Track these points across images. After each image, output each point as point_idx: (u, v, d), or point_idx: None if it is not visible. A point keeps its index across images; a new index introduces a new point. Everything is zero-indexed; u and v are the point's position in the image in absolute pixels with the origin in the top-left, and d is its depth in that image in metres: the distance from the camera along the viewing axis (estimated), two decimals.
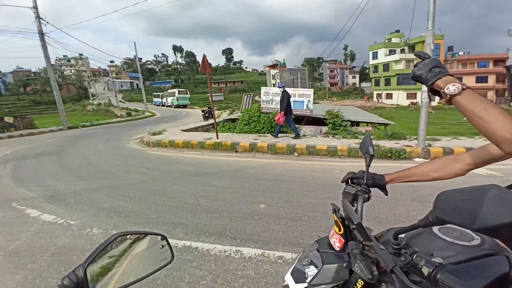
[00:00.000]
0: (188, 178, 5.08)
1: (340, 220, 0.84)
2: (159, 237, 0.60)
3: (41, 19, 16.59)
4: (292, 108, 8.59)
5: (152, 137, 9.55)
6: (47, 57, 17.34)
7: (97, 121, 20.87)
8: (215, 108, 21.04)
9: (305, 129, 10.48)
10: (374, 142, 6.24)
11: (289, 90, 9.17)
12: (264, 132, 9.65)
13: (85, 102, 43.11)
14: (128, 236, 0.55)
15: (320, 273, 0.81)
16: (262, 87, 10.88)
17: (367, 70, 76.85)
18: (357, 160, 6.19)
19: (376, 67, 51.02)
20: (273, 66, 68.71)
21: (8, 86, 65.73)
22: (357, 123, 11.74)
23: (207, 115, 18.18)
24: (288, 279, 0.89)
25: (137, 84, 64.88)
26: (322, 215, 3.38)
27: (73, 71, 78.95)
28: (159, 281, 2.22)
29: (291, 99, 8.39)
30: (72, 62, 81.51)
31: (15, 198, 4.33)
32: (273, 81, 54.22)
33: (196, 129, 12.45)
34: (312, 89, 10.87)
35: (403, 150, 6.18)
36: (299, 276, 0.85)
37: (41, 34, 16.75)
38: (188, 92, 41.70)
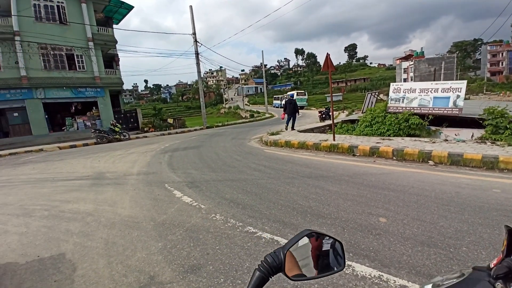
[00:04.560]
0: (301, 179, 5.04)
1: None
2: (338, 243, 0.64)
3: (197, 43, 20.99)
4: (432, 106, 8.55)
5: (270, 137, 10.17)
6: (199, 71, 21.79)
7: (227, 122, 24.40)
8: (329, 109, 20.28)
9: (447, 132, 8.41)
10: None
11: (427, 84, 8.26)
12: (389, 135, 8.41)
13: (219, 106, 51.28)
14: (315, 234, 0.62)
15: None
16: (391, 83, 9.51)
17: None
18: None
19: None
20: (406, 58, 59.06)
21: (172, 96, 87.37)
22: None
23: (324, 116, 17.77)
24: None
25: (260, 88, 71.49)
26: (470, 247, 2.53)
27: (214, 81, 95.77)
28: None
29: (431, 95, 8.41)
30: (214, 74, 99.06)
31: (167, 180, 5.60)
32: (404, 76, 47.00)
33: (311, 130, 12.35)
34: (465, 81, 8.45)
35: None
36: None
37: (197, 54, 21.16)
38: (306, 93, 42.23)
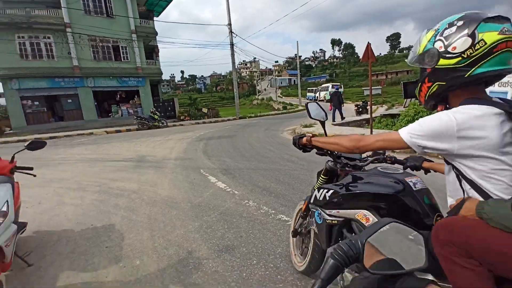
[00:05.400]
0: None
1: None
2: (420, 236, 0.56)
3: (232, 33, 21.18)
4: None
5: (304, 129, 10.05)
6: (233, 62, 22.02)
7: (260, 113, 24.50)
8: (367, 102, 19.27)
9: None
10: None
11: None
12: None
13: (252, 97, 51.49)
14: (396, 224, 0.55)
15: None
16: None
17: None
18: None
19: None
20: None
21: (206, 87, 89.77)
22: None
23: (360, 109, 17.01)
24: None
25: (294, 80, 70.30)
26: None
27: (247, 72, 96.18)
28: None
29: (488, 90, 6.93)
30: (248, 65, 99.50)
31: (203, 166, 5.85)
32: None
33: (347, 124, 11.97)
34: None
35: None
36: None
37: (231, 45, 21.37)
38: (342, 86, 40.61)
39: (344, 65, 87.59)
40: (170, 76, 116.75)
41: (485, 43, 0.86)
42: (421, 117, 5.48)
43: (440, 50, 0.95)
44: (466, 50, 0.89)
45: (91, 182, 5.04)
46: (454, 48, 0.91)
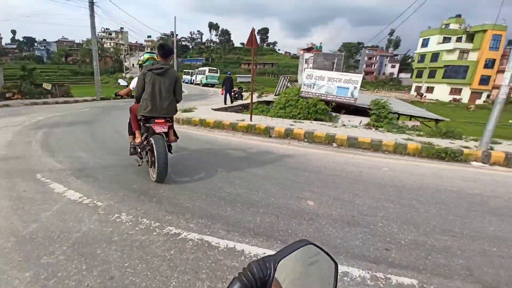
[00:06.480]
0: (223, 161, 4.61)
1: None
2: (333, 264, 0.52)
3: None
4: (336, 94, 9.53)
5: (183, 114, 9.18)
6: (93, 26, 17.08)
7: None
8: (243, 89, 20.32)
9: (343, 118, 9.63)
10: (425, 139, 5.71)
11: (334, 73, 9.34)
12: (299, 118, 8.93)
13: (118, 75, 44.22)
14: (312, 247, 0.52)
15: None
16: (306, 69, 10.19)
17: (410, 60, 71.35)
18: (405, 158, 5.43)
19: (423, 56, 46.18)
20: (308, 49, 65.34)
21: (51, 55, 69.22)
22: (399, 116, 10.65)
23: (236, 95, 17.59)
24: None
25: None
26: (384, 222, 2.85)
27: (112, 44, 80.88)
28: None
29: (336, 85, 9.48)
30: (113, 35, 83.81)
31: (40, 168, 4.00)
32: (305, 65, 52.05)
33: (225, 110, 12.00)
34: (361, 75, 9.90)
35: (459, 151, 5.40)
36: None
37: (91, 3, 16.55)
38: (218, 71, 41.23)
39: (220, 51, 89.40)
40: None
41: (143, 59, 4.05)
42: (291, 105, 8.67)
43: (140, 60, 4.13)
44: (141, 60, 4.04)
45: None
46: (141, 60, 4.06)
